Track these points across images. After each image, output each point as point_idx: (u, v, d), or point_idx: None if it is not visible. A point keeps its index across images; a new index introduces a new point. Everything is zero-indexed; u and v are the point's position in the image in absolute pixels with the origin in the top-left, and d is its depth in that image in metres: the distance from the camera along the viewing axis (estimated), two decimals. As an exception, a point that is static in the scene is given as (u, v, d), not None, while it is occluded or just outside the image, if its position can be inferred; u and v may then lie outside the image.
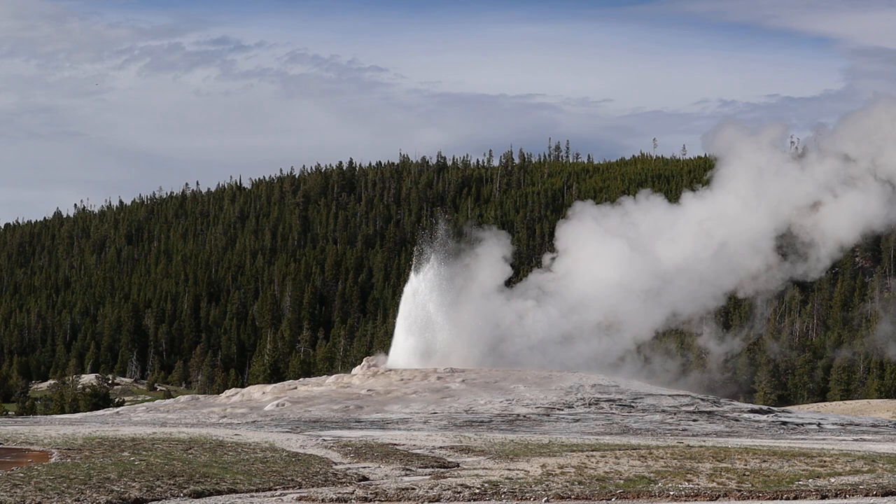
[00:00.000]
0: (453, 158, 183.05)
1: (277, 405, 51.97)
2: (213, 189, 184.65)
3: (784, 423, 49.95)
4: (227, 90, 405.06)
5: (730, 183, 67.86)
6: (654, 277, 67.04)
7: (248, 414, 50.05)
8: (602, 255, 67.48)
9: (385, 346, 71.90)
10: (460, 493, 23.36)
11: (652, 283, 67.03)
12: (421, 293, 66.94)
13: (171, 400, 63.43)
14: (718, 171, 69.45)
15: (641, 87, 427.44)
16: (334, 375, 64.40)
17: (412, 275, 68.94)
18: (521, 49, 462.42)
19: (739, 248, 66.65)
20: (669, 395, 54.39)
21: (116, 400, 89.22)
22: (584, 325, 67.65)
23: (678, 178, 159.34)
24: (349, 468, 27.83)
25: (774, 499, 23.35)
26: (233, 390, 62.34)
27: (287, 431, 39.92)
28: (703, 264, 66.58)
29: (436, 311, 65.51)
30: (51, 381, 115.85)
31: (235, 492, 23.53)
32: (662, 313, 68.82)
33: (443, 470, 28.01)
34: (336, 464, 28.66)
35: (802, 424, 49.76)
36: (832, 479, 25.75)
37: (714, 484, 24.96)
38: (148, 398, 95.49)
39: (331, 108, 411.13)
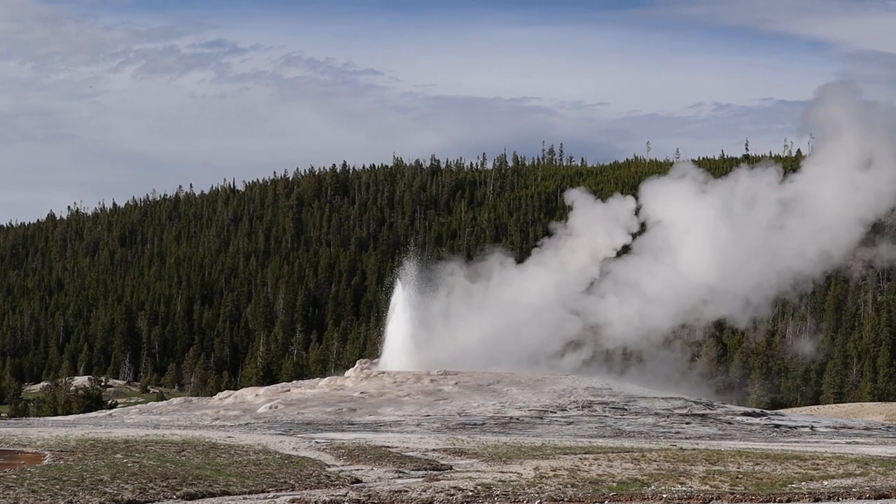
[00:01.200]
0: (447, 161, 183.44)
1: (270, 407, 51.96)
2: (206, 191, 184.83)
3: (777, 425, 49.97)
4: (222, 93, 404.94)
5: (833, 160, 64.64)
6: (755, 267, 64.72)
7: (241, 416, 50.04)
8: (702, 238, 64.81)
9: (378, 349, 71.69)
10: (453, 495, 23.35)
11: (752, 275, 64.83)
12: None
13: (164, 402, 63.42)
14: (821, 144, 66.69)
15: (636, 90, 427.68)
16: (327, 378, 64.44)
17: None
18: (517, 52, 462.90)
19: (834, 231, 63.84)
20: (662, 398, 54.44)
21: (109, 402, 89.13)
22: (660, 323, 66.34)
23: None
24: (342, 470, 27.82)
25: (767, 501, 23.37)
26: (226, 392, 62.35)
27: (280, 434, 39.90)
28: (798, 248, 64.18)
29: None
30: (44, 383, 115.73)
31: (228, 494, 23.52)
32: (747, 307, 66.98)
33: (436, 472, 28.01)
34: (329, 466, 28.65)
35: (795, 427, 49.80)
36: (825, 482, 25.77)
37: (707, 487, 24.98)
38: (141, 400, 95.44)
39: (325, 111, 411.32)
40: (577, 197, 73.85)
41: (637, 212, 70.68)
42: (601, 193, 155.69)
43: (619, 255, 69.99)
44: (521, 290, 67.47)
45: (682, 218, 66.59)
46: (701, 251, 64.77)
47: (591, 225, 70.09)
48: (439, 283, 68.87)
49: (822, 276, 69.56)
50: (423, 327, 65.24)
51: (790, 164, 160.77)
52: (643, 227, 69.80)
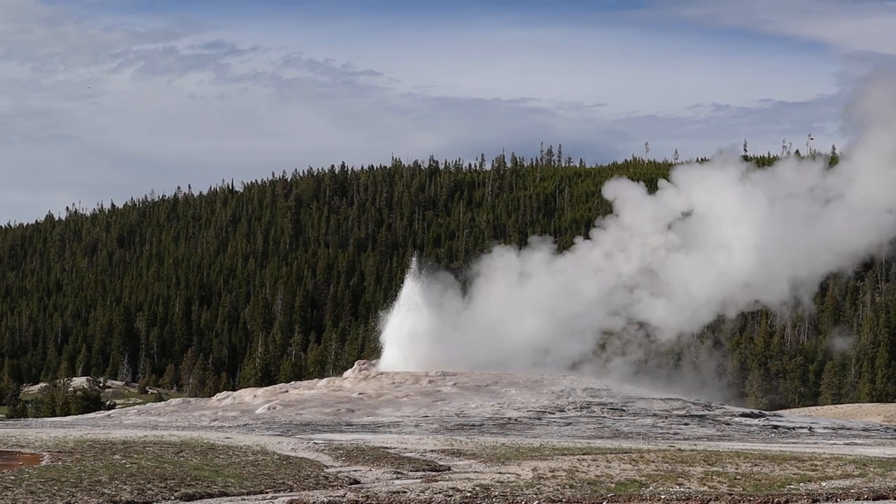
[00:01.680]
0: (445, 162, 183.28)
1: (269, 408, 51.95)
2: (204, 192, 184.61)
3: (775, 426, 49.97)
4: (222, 94, 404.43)
5: (879, 150, 63.67)
6: (797, 260, 63.74)
7: (240, 417, 50.03)
8: (745, 229, 63.68)
9: (377, 351, 71.13)
10: (451, 496, 23.34)
11: (794, 267, 63.93)
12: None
13: (163, 403, 63.40)
14: (867, 134, 65.51)
15: (635, 91, 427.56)
16: (326, 379, 64.45)
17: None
18: (516, 53, 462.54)
19: (877, 223, 63.09)
20: (661, 399, 54.43)
21: (107, 403, 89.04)
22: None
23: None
24: (340, 471, 27.82)
25: (766, 502, 23.37)
26: (224, 393, 62.32)
27: (278, 434, 39.90)
28: (842, 240, 63.21)
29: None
30: (42, 384, 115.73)
31: (227, 495, 23.51)
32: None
33: (434, 473, 28.01)
34: (327, 467, 28.65)
35: (794, 428, 49.80)
36: (823, 483, 25.77)
37: (705, 487, 24.98)
38: (139, 401, 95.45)
39: (325, 112, 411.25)
40: (622, 189, 72.25)
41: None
42: (600, 194, 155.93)
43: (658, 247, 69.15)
44: (564, 289, 66.58)
45: (723, 208, 65.70)
46: (743, 242, 64.00)
47: (641, 220, 68.78)
48: (485, 276, 68.36)
49: (862, 269, 68.86)
50: (455, 328, 64.72)
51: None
52: (682, 216, 68.78)
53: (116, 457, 28.72)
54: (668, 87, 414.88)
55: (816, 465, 29.09)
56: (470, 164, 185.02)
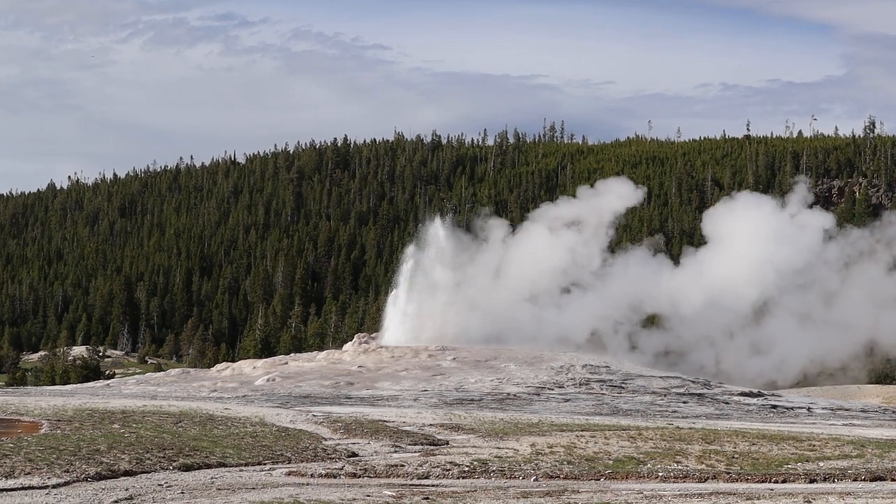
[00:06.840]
0: (448, 137, 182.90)
1: (268, 380, 52.02)
2: (206, 163, 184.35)
3: (774, 406, 50.01)
4: (230, 66, 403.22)
5: None
6: None
7: (239, 388, 50.09)
8: None
9: (377, 324, 71.28)
10: (449, 470, 23.34)
11: None
12: None
13: (162, 373, 63.47)
14: None
15: (643, 69, 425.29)
16: (325, 351, 64.54)
17: None
18: (525, 30, 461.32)
19: None
20: (660, 377, 54.48)
21: (107, 372, 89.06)
22: None
23: (672, 160, 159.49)
24: (339, 444, 27.83)
25: (763, 482, 23.35)
26: (224, 364, 62.40)
27: (277, 406, 39.92)
28: None
29: None
30: (42, 353, 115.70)
31: (225, 465, 23.51)
32: None
33: (432, 447, 28.02)
34: (326, 439, 28.66)
35: (792, 408, 49.81)
36: (821, 463, 25.76)
37: (703, 466, 24.98)
38: (139, 371, 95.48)
39: (332, 86, 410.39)
40: None
41: None
42: (602, 171, 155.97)
43: None
44: None
45: None
46: None
47: None
48: None
49: None
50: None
51: (791, 145, 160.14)
52: None
53: (115, 426, 28.75)
54: (677, 65, 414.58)
55: (814, 446, 29.08)
56: (472, 140, 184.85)
